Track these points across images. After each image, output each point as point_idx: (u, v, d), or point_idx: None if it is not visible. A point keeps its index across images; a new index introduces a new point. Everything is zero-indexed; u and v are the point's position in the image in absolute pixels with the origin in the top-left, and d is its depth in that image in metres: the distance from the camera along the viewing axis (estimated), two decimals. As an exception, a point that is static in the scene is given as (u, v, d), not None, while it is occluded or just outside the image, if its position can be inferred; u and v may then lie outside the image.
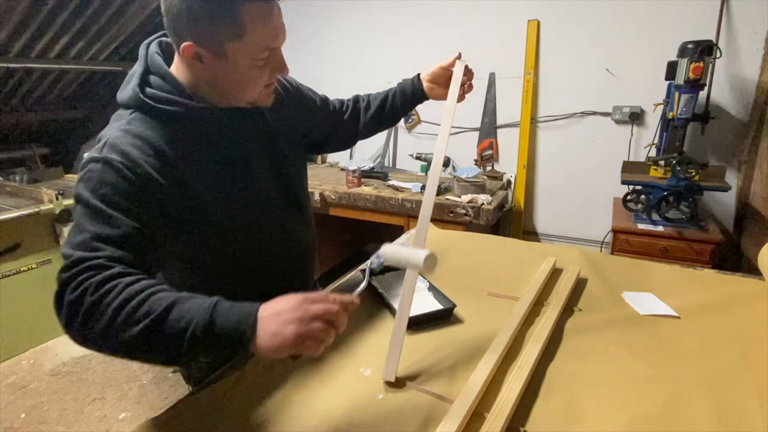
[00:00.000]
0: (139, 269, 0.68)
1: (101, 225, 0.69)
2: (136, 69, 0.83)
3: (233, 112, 0.86)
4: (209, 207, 0.83)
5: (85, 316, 0.62)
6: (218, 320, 0.60)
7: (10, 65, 3.30)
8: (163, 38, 0.87)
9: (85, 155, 0.76)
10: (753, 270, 1.29)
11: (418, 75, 1.14)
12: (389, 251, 0.73)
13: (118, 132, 0.76)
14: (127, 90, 0.81)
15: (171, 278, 0.91)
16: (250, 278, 0.96)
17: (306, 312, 0.60)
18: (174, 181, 0.78)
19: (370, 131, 1.21)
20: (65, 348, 2.66)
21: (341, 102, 1.21)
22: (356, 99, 1.21)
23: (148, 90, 0.79)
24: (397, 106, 1.17)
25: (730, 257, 2.29)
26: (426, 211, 0.85)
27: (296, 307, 0.60)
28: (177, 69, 0.82)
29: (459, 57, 1.08)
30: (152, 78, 0.81)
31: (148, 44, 0.85)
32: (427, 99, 1.16)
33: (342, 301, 0.62)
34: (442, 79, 1.10)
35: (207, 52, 0.75)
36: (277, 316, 0.60)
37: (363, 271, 0.72)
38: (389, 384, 0.78)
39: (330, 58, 3.25)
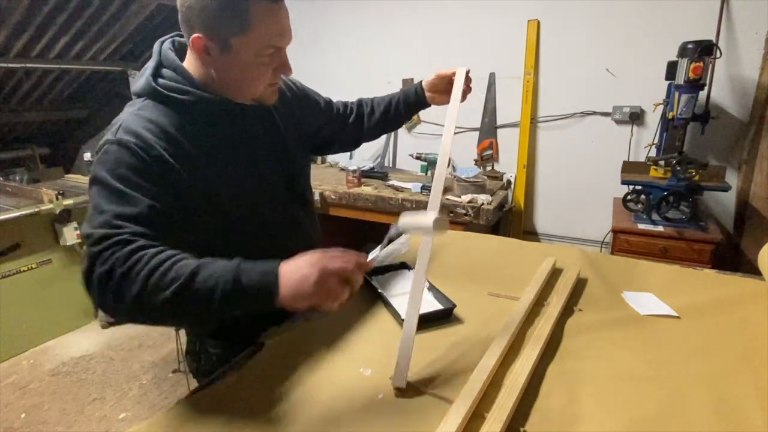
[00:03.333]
0: (160, 244, 0.71)
1: (121, 204, 0.71)
2: (150, 63, 0.86)
3: (242, 106, 0.89)
4: (218, 195, 0.85)
5: (117, 288, 0.65)
6: (243, 277, 0.65)
7: (10, 65, 3.30)
8: (177, 38, 0.90)
9: (102, 140, 0.78)
10: (753, 270, 1.29)
11: (421, 83, 1.17)
12: (404, 220, 0.78)
13: (132, 116, 0.79)
14: (140, 81, 0.85)
15: None
16: (264, 256, 0.97)
17: (324, 268, 0.65)
18: (185, 166, 0.80)
19: (373, 135, 1.25)
20: (65, 348, 2.66)
21: (345, 105, 1.23)
22: (360, 103, 1.23)
23: (160, 80, 0.83)
24: (400, 112, 1.20)
25: (730, 257, 2.29)
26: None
27: (315, 263, 0.66)
28: (189, 63, 0.85)
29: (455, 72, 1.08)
30: (165, 71, 0.84)
31: (162, 41, 0.89)
32: (429, 106, 1.19)
33: (357, 261, 0.68)
34: (441, 86, 1.13)
35: (214, 46, 0.78)
36: (297, 271, 0.66)
37: (390, 237, 0.79)
38: (399, 390, 0.78)
39: (330, 58, 3.25)
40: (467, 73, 1.07)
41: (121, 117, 0.81)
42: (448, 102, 1.06)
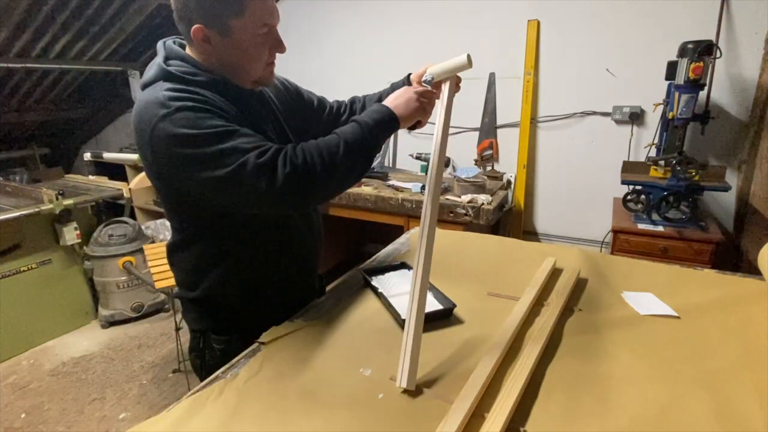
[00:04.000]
0: None
1: (237, 138, 0.79)
2: (156, 58, 0.90)
3: (247, 93, 0.94)
4: None
5: (305, 174, 0.79)
6: (373, 117, 0.88)
7: (10, 65, 3.30)
8: (177, 38, 0.94)
9: (154, 119, 0.80)
10: (753, 270, 1.29)
11: (409, 76, 1.16)
12: (435, 68, 0.96)
13: (164, 92, 0.81)
14: (151, 71, 0.88)
15: (202, 249, 0.97)
16: (272, 250, 1.00)
17: (416, 91, 0.92)
18: (232, 112, 0.86)
19: None
20: (65, 348, 2.66)
21: (339, 103, 1.24)
22: (352, 100, 1.25)
23: (171, 68, 0.86)
24: None
25: (730, 257, 2.29)
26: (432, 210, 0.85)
27: (407, 91, 0.93)
28: (192, 54, 0.89)
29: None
30: (172, 61, 0.88)
31: (164, 41, 0.92)
32: None
33: (428, 89, 0.94)
34: None
35: (214, 32, 0.83)
36: (398, 98, 0.92)
37: (425, 82, 0.97)
38: (408, 391, 0.77)
39: (329, 57, 3.25)
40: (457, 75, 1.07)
41: (152, 97, 0.82)
42: (437, 87, 1.07)
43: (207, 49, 0.86)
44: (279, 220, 0.99)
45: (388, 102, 0.91)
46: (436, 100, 0.97)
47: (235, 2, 0.81)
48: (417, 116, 0.92)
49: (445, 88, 0.95)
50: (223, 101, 0.86)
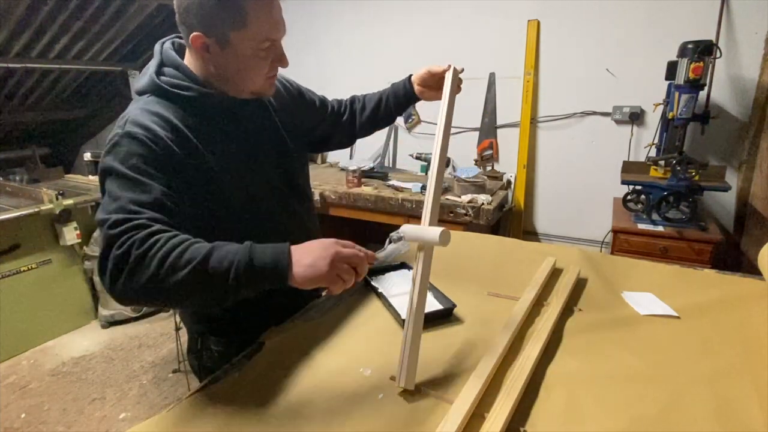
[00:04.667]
0: (174, 229, 0.74)
1: (135, 191, 0.74)
2: (152, 62, 0.89)
3: (242, 102, 0.91)
4: (221, 187, 0.87)
5: (132, 268, 0.67)
6: (256, 257, 0.69)
7: (10, 65, 3.30)
8: (176, 39, 0.93)
9: (111, 133, 0.80)
10: (753, 270, 1.29)
11: (410, 77, 1.16)
12: (409, 228, 0.83)
13: (138, 110, 0.82)
14: (143, 79, 0.87)
15: None
16: None
17: (338, 252, 0.71)
18: (191, 156, 0.83)
19: (367, 131, 1.25)
20: (65, 348, 2.66)
21: (339, 103, 1.24)
22: (352, 100, 1.24)
23: (163, 77, 0.86)
24: (391, 107, 1.20)
25: (730, 257, 2.29)
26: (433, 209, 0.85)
27: (329, 247, 0.72)
28: (188, 62, 0.88)
29: (450, 67, 1.07)
30: (167, 69, 0.87)
31: (162, 42, 0.91)
32: (419, 100, 1.19)
33: (366, 253, 0.75)
34: (432, 82, 1.13)
35: (213, 42, 0.81)
36: (310, 252, 0.71)
37: (391, 240, 0.89)
38: (407, 391, 0.77)
39: (330, 58, 3.26)
40: (459, 71, 1.06)
41: (127, 112, 0.83)
42: (437, 98, 1.06)
43: (205, 57, 0.84)
44: (273, 227, 0.97)
45: (298, 249, 0.72)
46: (438, 100, 0.95)
47: (238, 14, 0.78)
48: (319, 283, 0.70)
49: (447, 89, 0.94)
50: (204, 124, 0.85)
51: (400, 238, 0.86)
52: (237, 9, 0.78)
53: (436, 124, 0.93)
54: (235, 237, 0.91)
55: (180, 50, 0.91)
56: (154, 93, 0.85)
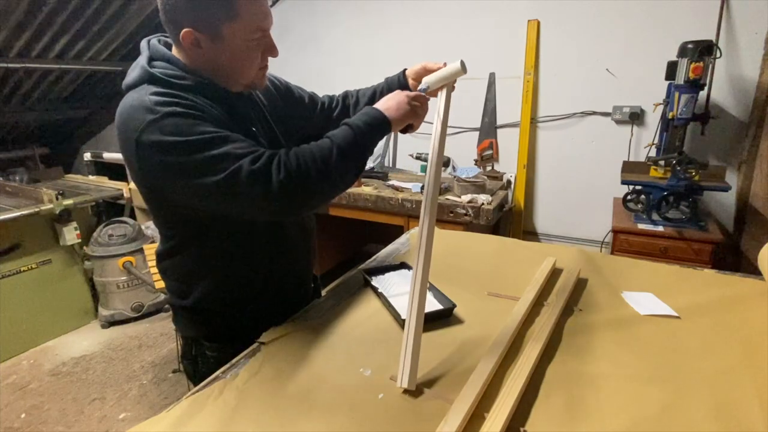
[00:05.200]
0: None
1: (226, 144, 0.77)
2: (140, 58, 0.87)
3: (236, 95, 0.91)
4: None
5: (299, 180, 0.77)
6: (364, 120, 0.86)
7: (10, 65, 3.30)
8: (162, 37, 0.91)
9: (142, 123, 0.77)
10: (753, 270, 1.29)
11: (404, 72, 1.15)
12: (430, 77, 0.97)
13: (149, 96, 0.79)
14: (134, 72, 0.85)
15: (192, 258, 0.95)
16: (263, 257, 0.99)
17: (408, 95, 0.91)
18: (212, 115, 0.83)
19: None
20: (65, 348, 2.66)
21: (330, 98, 1.22)
22: (345, 95, 1.22)
23: (155, 69, 0.83)
24: None
25: (730, 257, 2.29)
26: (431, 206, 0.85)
27: (399, 95, 0.91)
28: (177, 55, 0.86)
29: (445, 64, 1.07)
30: (157, 63, 0.85)
31: (149, 40, 0.89)
32: None
33: (419, 93, 0.93)
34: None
35: (205, 37, 0.81)
36: (389, 101, 0.90)
37: (422, 90, 0.96)
38: (409, 391, 0.77)
39: (329, 57, 3.25)
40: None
41: (137, 101, 0.79)
42: (433, 95, 1.05)
43: (196, 53, 0.83)
44: (269, 226, 0.97)
45: (380, 105, 0.89)
46: (433, 100, 0.95)
47: (228, 7, 0.78)
48: (408, 120, 0.90)
49: (442, 94, 0.94)
50: (211, 105, 0.84)
51: (425, 90, 0.95)
52: (227, 1, 0.78)
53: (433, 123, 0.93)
54: (232, 228, 0.92)
55: (166, 47, 0.89)
56: (150, 82, 0.82)
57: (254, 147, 0.79)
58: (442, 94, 0.95)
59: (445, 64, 1.05)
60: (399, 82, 1.15)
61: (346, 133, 0.84)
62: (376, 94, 1.18)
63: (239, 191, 0.76)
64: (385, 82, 1.18)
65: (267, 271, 0.99)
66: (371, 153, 0.88)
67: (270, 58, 0.91)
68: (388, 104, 0.89)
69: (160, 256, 0.99)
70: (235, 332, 0.97)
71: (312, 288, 1.16)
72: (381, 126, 0.87)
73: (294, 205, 0.80)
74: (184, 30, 0.79)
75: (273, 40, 0.88)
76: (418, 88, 0.96)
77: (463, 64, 0.90)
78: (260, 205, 0.78)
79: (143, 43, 0.89)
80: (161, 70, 0.83)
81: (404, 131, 0.95)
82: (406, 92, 0.91)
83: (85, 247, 2.79)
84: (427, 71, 1.10)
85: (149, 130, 0.75)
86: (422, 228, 0.85)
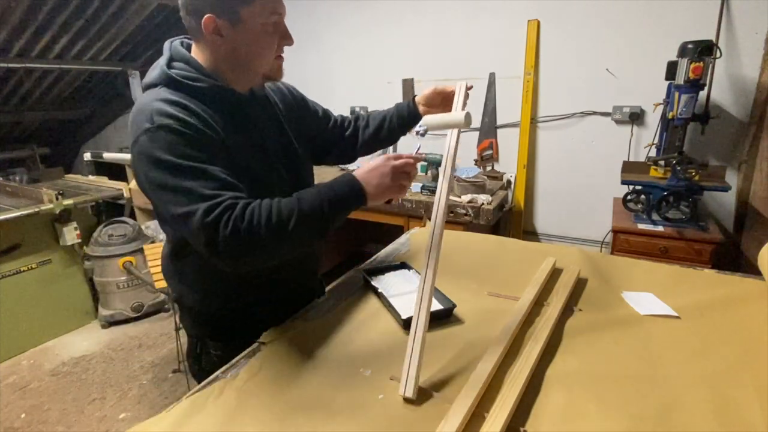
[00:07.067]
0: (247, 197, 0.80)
1: (200, 179, 0.77)
2: (161, 59, 0.90)
3: (250, 99, 0.95)
4: (236, 172, 0.87)
5: (246, 239, 0.75)
6: (336, 190, 0.82)
7: (10, 65, 3.30)
8: (185, 39, 0.94)
9: (139, 129, 0.80)
10: (753, 270, 1.29)
11: (413, 98, 1.17)
12: (430, 118, 0.92)
13: (157, 102, 0.82)
14: (154, 72, 0.89)
15: (195, 260, 0.96)
16: None
17: (394, 167, 0.84)
18: (217, 134, 0.85)
19: (368, 150, 1.25)
20: (65, 348, 2.66)
21: (343, 118, 1.25)
22: (357, 117, 1.25)
23: (174, 70, 0.87)
24: (394, 128, 1.21)
25: (730, 257, 2.29)
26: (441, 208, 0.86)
27: (385, 164, 0.84)
28: (197, 55, 0.90)
29: (462, 87, 1.08)
30: (176, 63, 0.89)
31: (171, 41, 0.93)
32: None
33: (411, 157, 0.87)
34: (437, 101, 1.13)
35: (225, 23, 0.84)
36: (372, 172, 0.84)
37: (417, 133, 0.94)
38: (408, 400, 0.76)
39: (330, 58, 3.24)
40: (468, 89, 1.08)
41: (146, 105, 0.82)
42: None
43: (217, 42, 0.85)
44: None
45: (361, 174, 0.84)
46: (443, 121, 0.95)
47: None
48: (387, 196, 0.85)
49: (452, 133, 0.94)
50: (217, 115, 0.86)
51: (425, 132, 0.92)
52: None
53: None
54: None
55: (188, 50, 0.92)
56: (166, 85, 0.86)
57: (219, 191, 0.77)
58: (453, 133, 0.94)
59: (461, 87, 1.06)
60: (408, 108, 1.18)
61: (313, 198, 0.81)
62: (386, 119, 1.21)
63: (189, 233, 0.78)
64: (395, 109, 1.20)
65: (271, 274, 0.99)
66: (340, 223, 0.84)
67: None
68: (369, 175, 0.84)
69: (166, 257, 1.01)
70: (238, 331, 0.97)
71: (318, 290, 1.17)
72: (354, 200, 0.83)
73: (240, 261, 0.78)
74: (206, 16, 0.82)
75: (287, 28, 0.91)
76: (416, 128, 0.93)
77: (467, 117, 0.87)
78: (205, 253, 0.78)
79: (166, 44, 0.92)
80: (178, 71, 0.86)
81: (387, 202, 0.92)
82: (393, 163, 0.84)
83: (85, 247, 2.79)
84: (437, 94, 1.12)
85: (143, 138, 0.79)
86: (431, 240, 0.87)
